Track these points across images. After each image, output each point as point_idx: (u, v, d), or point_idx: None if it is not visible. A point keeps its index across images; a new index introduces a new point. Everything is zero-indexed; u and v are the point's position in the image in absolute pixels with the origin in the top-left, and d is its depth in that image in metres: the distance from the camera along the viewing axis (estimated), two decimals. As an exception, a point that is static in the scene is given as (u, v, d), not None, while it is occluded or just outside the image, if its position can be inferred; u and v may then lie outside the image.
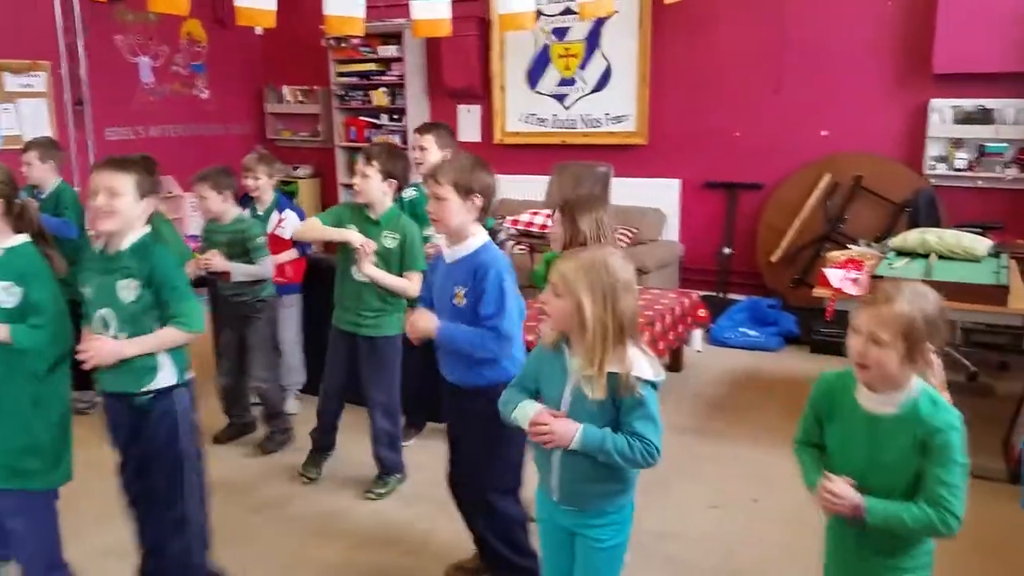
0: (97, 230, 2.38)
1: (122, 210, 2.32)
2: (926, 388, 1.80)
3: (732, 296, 6.15)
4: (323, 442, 3.68)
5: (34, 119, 6.20)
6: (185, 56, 7.42)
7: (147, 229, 2.41)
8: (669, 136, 6.40)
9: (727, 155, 6.22)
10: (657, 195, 6.44)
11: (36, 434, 2.42)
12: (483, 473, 2.60)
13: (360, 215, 3.37)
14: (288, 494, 3.55)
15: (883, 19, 5.59)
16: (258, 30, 7.27)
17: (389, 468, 3.56)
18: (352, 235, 3.27)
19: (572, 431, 1.93)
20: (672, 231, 6.46)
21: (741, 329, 5.56)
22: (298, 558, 2.96)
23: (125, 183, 2.33)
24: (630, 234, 6.12)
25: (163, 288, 2.34)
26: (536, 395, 2.08)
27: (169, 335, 2.36)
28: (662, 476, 3.59)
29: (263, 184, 4.12)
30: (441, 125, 3.99)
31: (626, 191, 6.40)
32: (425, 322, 2.47)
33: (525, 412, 2.02)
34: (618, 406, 1.92)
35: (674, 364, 5.00)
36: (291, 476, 3.69)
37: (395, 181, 3.34)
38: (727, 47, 6.09)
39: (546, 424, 1.96)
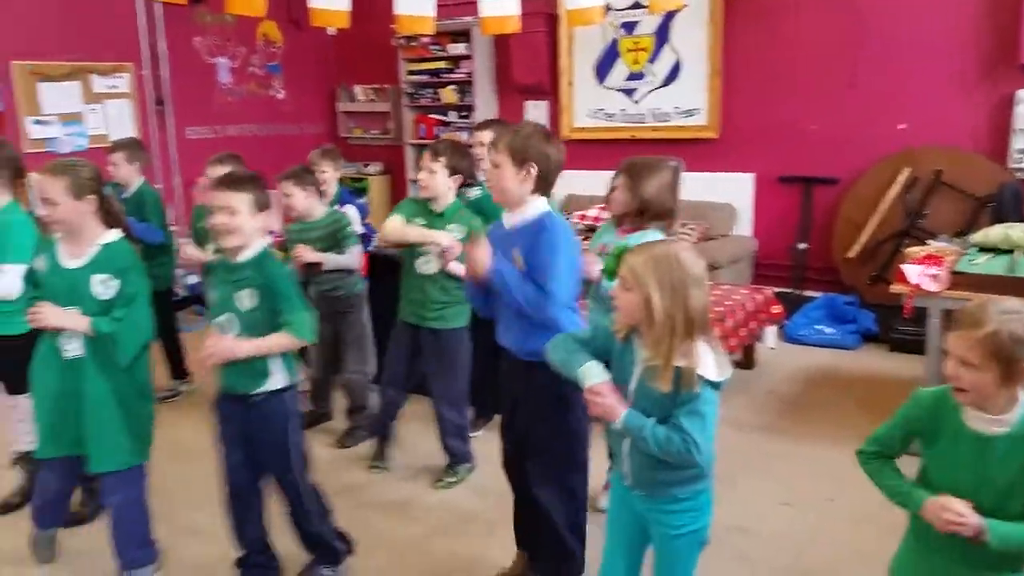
0: (219, 245, 2.54)
1: (240, 226, 2.47)
2: None
3: (807, 293, 6.02)
4: (386, 431, 3.74)
5: (119, 119, 6.45)
6: (261, 57, 7.61)
7: (266, 242, 2.57)
8: (741, 129, 6.30)
9: (802, 149, 6.08)
10: (729, 190, 6.34)
11: (127, 418, 2.59)
12: (548, 447, 2.53)
13: (424, 209, 3.42)
14: (362, 481, 3.63)
15: (966, 7, 5.39)
16: (331, 30, 7.40)
17: (458, 458, 3.61)
18: (440, 236, 3.32)
19: (619, 410, 1.95)
20: (745, 226, 6.36)
21: (817, 326, 5.44)
22: (371, 543, 3.02)
23: (241, 201, 2.47)
24: (700, 229, 6.04)
25: (278, 298, 2.49)
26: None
27: (280, 340, 2.49)
28: (730, 472, 3.56)
29: (328, 178, 4.21)
30: (499, 121, 4.02)
31: (697, 186, 6.28)
32: (484, 253, 2.38)
33: (590, 373, 2.02)
34: (675, 400, 1.91)
35: (746, 361, 4.93)
36: (365, 464, 3.76)
37: (460, 176, 3.38)
38: (801, 38, 5.96)
39: (600, 395, 1.97)
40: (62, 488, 2.83)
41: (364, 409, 4.11)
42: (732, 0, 5.90)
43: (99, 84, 6.33)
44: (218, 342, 2.47)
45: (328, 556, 2.82)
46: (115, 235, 2.61)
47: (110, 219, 2.62)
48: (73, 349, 2.56)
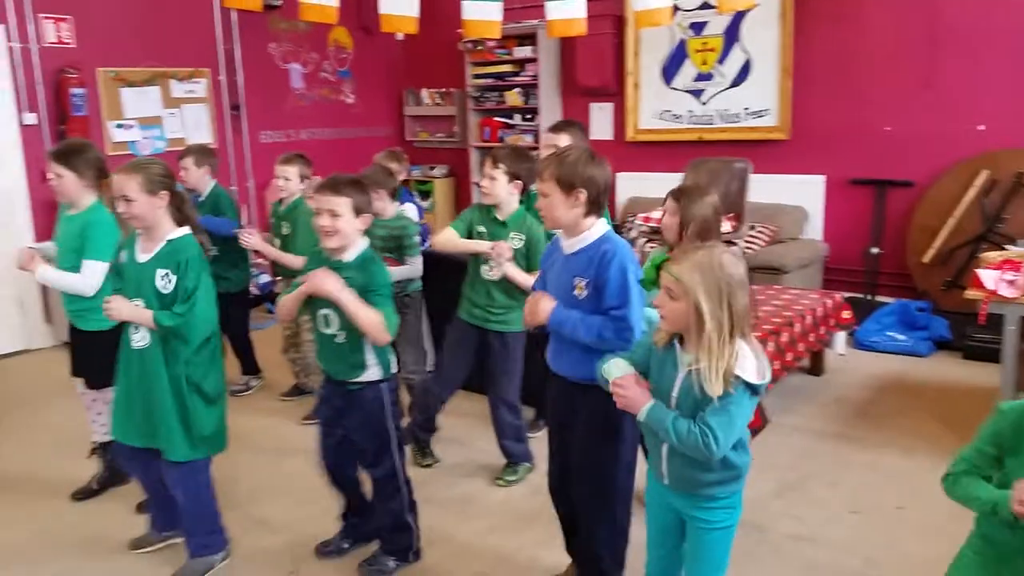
0: (323, 247, 2.65)
1: (342, 228, 2.58)
2: None
3: (879, 298, 5.86)
4: (430, 425, 3.76)
5: (196, 124, 6.68)
6: (332, 62, 7.78)
7: (367, 243, 2.68)
8: (812, 131, 6.17)
9: (875, 151, 5.93)
10: (799, 192, 6.23)
11: (186, 411, 2.68)
12: (595, 474, 2.49)
13: (488, 216, 3.45)
14: (421, 477, 3.66)
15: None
16: (399, 36, 7.52)
17: (517, 457, 3.62)
18: (482, 245, 3.38)
19: (643, 402, 1.97)
20: (815, 229, 6.23)
21: (889, 333, 5.29)
22: (431, 538, 3.06)
23: (343, 205, 2.56)
24: (768, 232, 5.94)
25: (371, 295, 2.58)
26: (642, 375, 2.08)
27: (371, 314, 2.55)
28: (800, 479, 3.50)
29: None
30: (574, 123, 3.99)
31: (766, 188, 6.23)
32: (546, 304, 2.41)
33: (614, 368, 2.05)
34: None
35: (815, 367, 4.82)
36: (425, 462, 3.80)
37: (520, 182, 3.38)
38: (875, 37, 5.82)
39: (624, 387, 1.99)
40: (151, 485, 2.93)
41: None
42: (803, -1, 5.79)
43: (177, 89, 6.56)
44: (327, 277, 2.54)
45: (400, 549, 2.88)
46: (183, 231, 2.71)
47: (181, 217, 2.73)
48: (141, 340, 2.67)
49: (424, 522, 3.00)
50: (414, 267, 3.94)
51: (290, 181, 4.32)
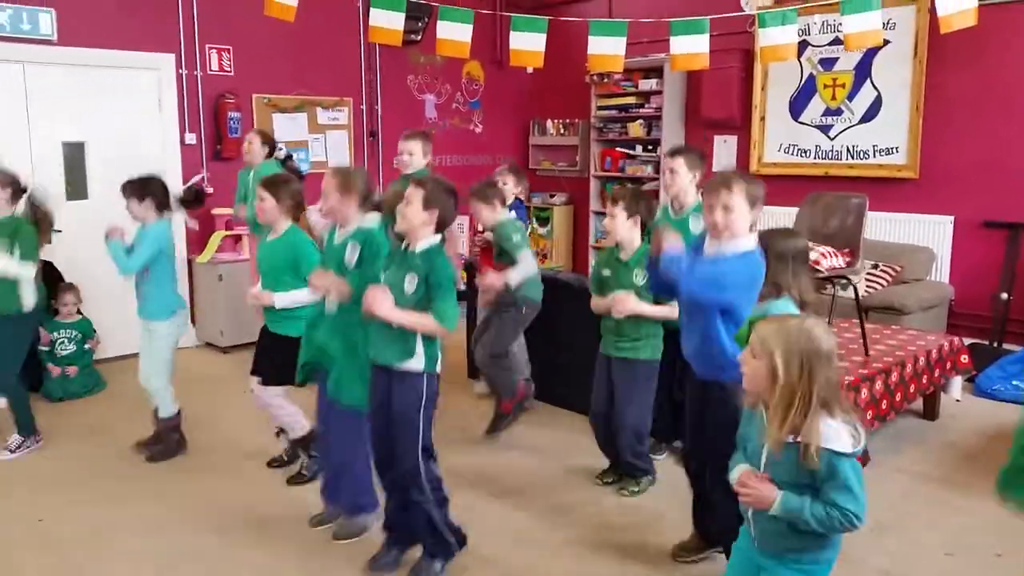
0: (396, 230, 2.91)
1: (407, 215, 2.79)
2: None
3: (1006, 346, 5.59)
4: (610, 456, 3.86)
5: (336, 148, 7.18)
6: (465, 94, 8.17)
7: (437, 237, 2.86)
8: (943, 170, 5.98)
9: (1010, 192, 5.69)
10: (927, 232, 6.04)
11: (359, 368, 3.05)
12: (722, 454, 2.57)
13: (612, 258, 3.61)
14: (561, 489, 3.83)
15: None
16: (529, 69, 7.82)
17: (640, 472, 3.75)
18: (604, 302, 3.56)
19: (772, 497, 1.97)
20: (942, 271, 6.02)
21: (1015, 382, 5.04)
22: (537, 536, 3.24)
23: (415, 195, 2.79)
24: (892, 272, 5.79)
25: (434, 287, 2.76)
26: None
27: (424, 320, 2.75)
28: (898, 519, 3.44)
29: (507, 190, 4.57)
30: (691, 148, 4.09)
31: (893, 227, 6.08)
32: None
33: (736, 471, 2.10)
34: (812, 472, 1.93)
35: (928, 411, 4.67)
36: (586, 476, 3.92)
37: (639, 219, 3.52)
38: (1011, 76, 5.61)
39: (748, 487, 2.01)
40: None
41: (505, 395, 4.34)
42: (937, 36, 5.64)
43: (323, 116, 7.08)
44: (379, 295, 2.72)
45: (439, 548, 2.96)
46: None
47: (367, 206, 3.17)
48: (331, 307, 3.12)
49: (534, 522, 3.14)
50: (524, 264, 4.08)
51: (414, 155, 4.64)
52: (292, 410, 3.79)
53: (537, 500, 3.67)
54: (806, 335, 1.93)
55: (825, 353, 1.93)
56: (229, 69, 6.50)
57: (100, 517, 3.50)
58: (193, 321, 6.27)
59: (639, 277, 3.48)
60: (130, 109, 6.04)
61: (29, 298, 4.04)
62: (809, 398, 1.90)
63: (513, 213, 4.52)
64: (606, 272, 3.62)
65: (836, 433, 1.90)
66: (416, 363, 2.79)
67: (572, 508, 3.61)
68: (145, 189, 3.99)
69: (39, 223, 4.13)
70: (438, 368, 2.86)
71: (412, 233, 2.81)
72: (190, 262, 6.38)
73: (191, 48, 6.29)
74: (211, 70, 6.41)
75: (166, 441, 4.15)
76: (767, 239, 2.74)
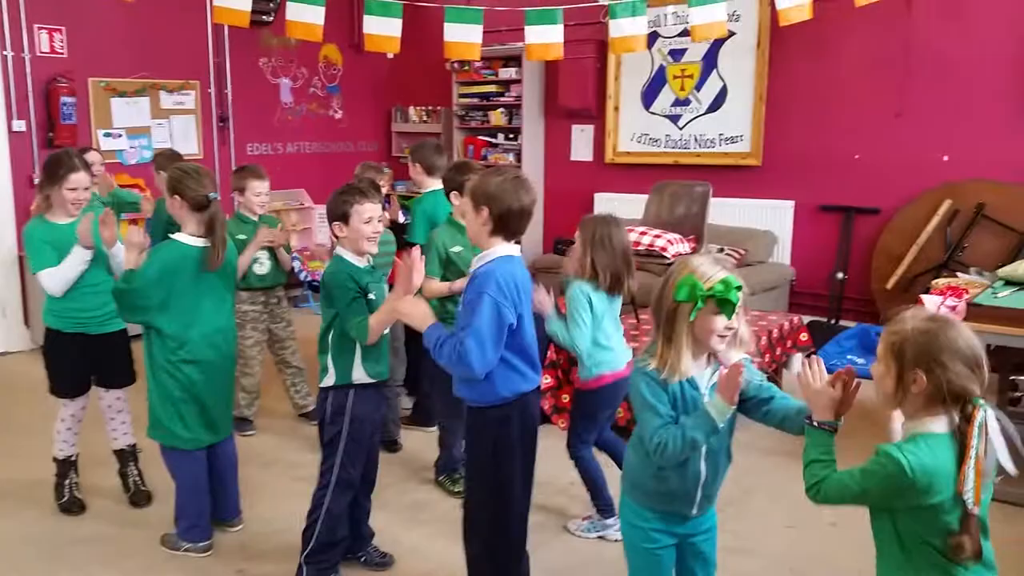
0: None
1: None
2: None
3: (843, 323, 5.99)
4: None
5: (183, 134, 6.83)
6: (322, 78, 7.95)
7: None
8: (784, 157, 6.32)
9: (844, 178, 6.08)
10: (769, 217, 6.37)
11: None
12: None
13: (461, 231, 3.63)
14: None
15: (1016, 38, 5.34)
16: (389, 54, 7.68)
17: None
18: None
19: None
20: (783, 254, 6.37)
21: (849, 356, 5.41)
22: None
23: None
24: (736, 256, 6.07)
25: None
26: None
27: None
28: (740, 494, 3.60)
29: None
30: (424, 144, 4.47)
31: (738, 212, 6.37)
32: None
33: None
34: None
35: (772, 387, 4.93)
36: None
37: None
38: (848, 68, 5.98)
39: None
40: None
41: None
42: (779, 29, 5.92)
43: (167, 100, 6.72)
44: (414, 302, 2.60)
45: (304, 546, 2.87)
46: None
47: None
48: None
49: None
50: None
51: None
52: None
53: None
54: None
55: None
56: (62, 51, 6.06)
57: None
58: (26, 323, 5.86)
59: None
60: (-53, 93, 5.54)
61: None
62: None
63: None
64: (456, 249, 3.67)
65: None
66: (327, 381, 2.87)
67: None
68: None
69: None
70: (359, 378, 2.87)
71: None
72: (21, 258, 5.93)
73: (17, 28, 5.81)
74: (41, 52, 5.95)
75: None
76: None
